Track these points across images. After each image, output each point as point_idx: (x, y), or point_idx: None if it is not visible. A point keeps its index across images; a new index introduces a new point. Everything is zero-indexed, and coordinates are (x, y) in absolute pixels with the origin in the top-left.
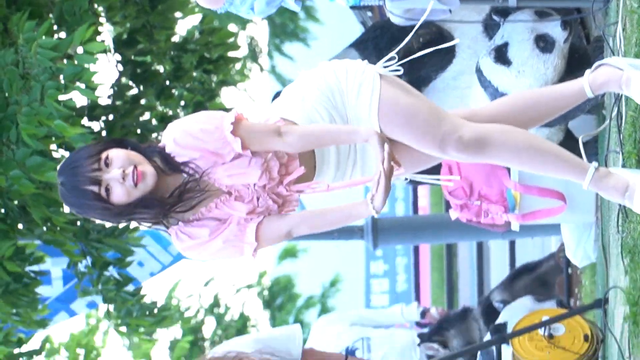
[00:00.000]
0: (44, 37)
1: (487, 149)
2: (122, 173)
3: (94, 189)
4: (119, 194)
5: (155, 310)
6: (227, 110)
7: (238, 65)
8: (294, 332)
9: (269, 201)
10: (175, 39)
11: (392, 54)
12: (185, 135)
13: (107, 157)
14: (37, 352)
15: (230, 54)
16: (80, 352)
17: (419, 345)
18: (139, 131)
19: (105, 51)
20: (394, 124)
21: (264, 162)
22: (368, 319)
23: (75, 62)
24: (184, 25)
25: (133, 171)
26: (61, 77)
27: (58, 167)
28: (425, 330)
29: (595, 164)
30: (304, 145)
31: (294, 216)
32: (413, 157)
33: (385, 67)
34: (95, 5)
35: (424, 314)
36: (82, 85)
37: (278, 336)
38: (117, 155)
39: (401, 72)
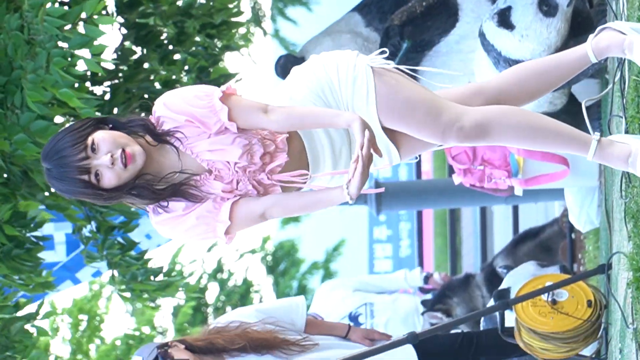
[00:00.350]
0: (50, 4)
1: (488, 135)
2: (111, 158)
3: (84, 178)
4: (110, 178)
5: (161, 276)
6: (230, 75)
7: (243, 30)
8: (297, 303)
9: (248, 186)
10: (180, 2)
11: (383, 49)
12: (176, 99)
13: (93, 143)
14: (34, 316)
15: (234, 19)
16: (83, 318)
17: (422, 314)
18: (146, 96)
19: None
20: (393, 120)
21: (247, 144)
22: (371, 285)
23: (82, 31)
24: None
25: (121, 154)
26: (67, 45)
27: (42, 151)
28: (429, 296)
29: (597, 135)
30: (289, 124)
31: (268, 197)
32: (413, 144)
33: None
34: None
35: (427, 279)
36: (88, 55)
37: (281, 307)
38: (103, 139)
39: (391, 66)
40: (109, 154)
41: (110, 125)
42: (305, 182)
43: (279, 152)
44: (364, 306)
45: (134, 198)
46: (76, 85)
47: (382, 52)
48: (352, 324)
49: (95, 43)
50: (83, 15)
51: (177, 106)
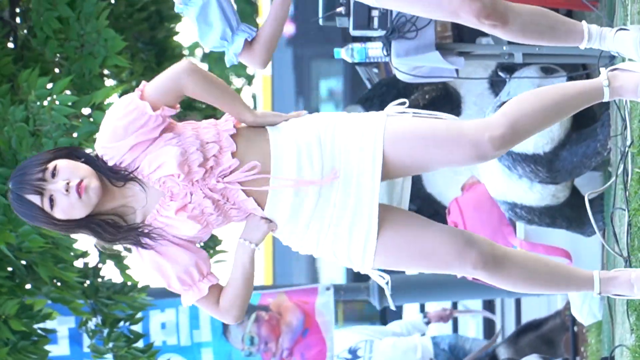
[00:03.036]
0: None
1: (520, 132)
2: (67, 185)
3: (36, 200)
4: (63, 206)
5: None
6: None
7: None
8: None
9: (201, 197)
10: None
11: (402, 100)
12: (109, 133)
13: (54, 168)
14: None
15: None
16: None
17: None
18: None
19: None
20: (409, 150)
21: (184, 152)
22: (375, 331)
23: (91, 119)
24: None
25: (77, 184)
26: (75, 135)
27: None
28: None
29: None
30: (202, 87)
31: (225, 299)
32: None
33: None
34: (105, 71)
35: (427, 322)
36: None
37: None
38: (65, 166)
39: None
40: (66, 181)
41: (82, 159)
42: (262, 175)
43: (224, 151)
44: (364, 342)
45: (92, 233)
46: None
47: (402, 103)
48: (350, 356)
49: None
50: (86, 111)
51: (116, 137)
